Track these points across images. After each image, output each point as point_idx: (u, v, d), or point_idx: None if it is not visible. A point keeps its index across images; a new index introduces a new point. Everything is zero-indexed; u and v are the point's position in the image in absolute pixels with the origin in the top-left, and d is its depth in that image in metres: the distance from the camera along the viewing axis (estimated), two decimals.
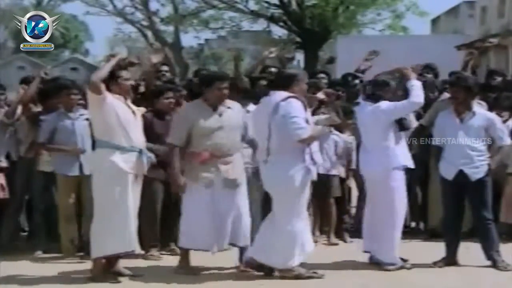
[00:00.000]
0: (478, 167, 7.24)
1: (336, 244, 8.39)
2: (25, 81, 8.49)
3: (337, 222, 8.56)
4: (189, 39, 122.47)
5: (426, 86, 8.13)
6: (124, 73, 6.82)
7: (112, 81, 6.68)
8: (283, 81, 7.02)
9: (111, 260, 6.77)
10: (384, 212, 7.25)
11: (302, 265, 6.93)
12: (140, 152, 6.70)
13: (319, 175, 8.04)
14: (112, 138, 6.59)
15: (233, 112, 6.99)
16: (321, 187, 8.14)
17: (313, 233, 7.94)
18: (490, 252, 7.29)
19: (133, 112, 6.77)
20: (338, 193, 8.52)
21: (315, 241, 7.54)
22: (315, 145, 6.95)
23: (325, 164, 8.12)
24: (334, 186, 8.46)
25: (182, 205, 7.03)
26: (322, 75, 9.71)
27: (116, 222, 6.59)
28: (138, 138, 6.73)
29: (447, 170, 7.33)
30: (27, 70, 47.35)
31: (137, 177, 6.74)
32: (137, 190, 6.79)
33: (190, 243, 6.94)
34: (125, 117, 6.64)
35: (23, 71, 40.76)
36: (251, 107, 7.74)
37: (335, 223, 8.52)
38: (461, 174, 7.24)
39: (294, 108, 6.80)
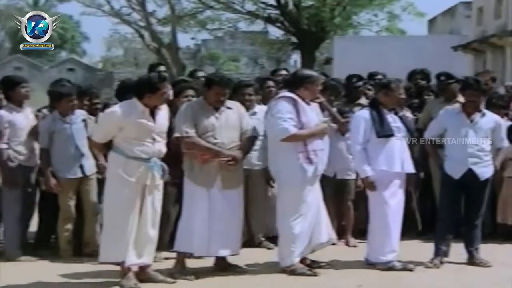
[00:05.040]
0: (486, 167, 7.33)
1: (355, 246, 8.26)
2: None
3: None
4: (186, 40, 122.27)
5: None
6: (165, 86, 6.65)
7: (150, 93, 6.48)
8: (292, 82, 7.12)
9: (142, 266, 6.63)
10: (370, 213, 7.29)
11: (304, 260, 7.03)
12: (150, 161, 6.50)
13: (336, 179, 8.06)
14: (124, 148, 6.45)
15: (232, 112, 7.00)
16: (339, 190, 8.23)
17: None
18: (470, 249, 7.40)
19: (155, 121, 6.55)
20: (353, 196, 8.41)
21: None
22: (316, 144, 6.94)
23: (341, 167, 8.19)
24: (352, 190, 8.35)
25: (182, 207, 6.97)
26: None
27: (114, 229, 6.46)
28: (155, 147, 6.54)
29: (454, 169, 7.32)
30: (24, 70, 47.34)
31: (146, 187, 6.53)
32: (149, 199, 6.56)
33: (186, 247, 6.86)
34: (143, 129, 6.46)
35: (20, 72, 40.69)
36: (257, 108, 7.99)
37: (352, 225, 8.45)
38: (469, 173, 7.27)
39: (280, 107, 6.88)
